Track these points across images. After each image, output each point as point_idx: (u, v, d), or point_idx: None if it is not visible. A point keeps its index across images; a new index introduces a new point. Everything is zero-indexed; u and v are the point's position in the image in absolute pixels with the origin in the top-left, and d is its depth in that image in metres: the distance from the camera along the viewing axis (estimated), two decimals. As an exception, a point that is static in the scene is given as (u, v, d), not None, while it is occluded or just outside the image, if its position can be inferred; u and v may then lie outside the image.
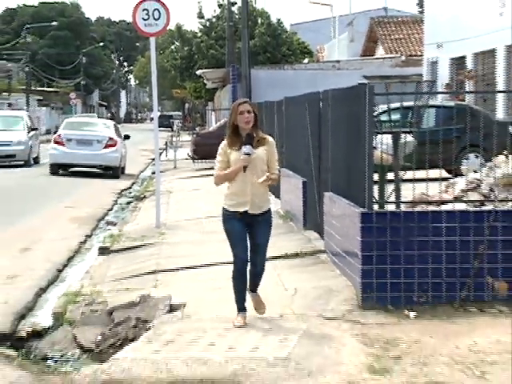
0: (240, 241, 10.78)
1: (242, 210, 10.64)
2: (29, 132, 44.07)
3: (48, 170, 38.74)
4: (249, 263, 10.99)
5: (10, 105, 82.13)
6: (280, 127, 22.82)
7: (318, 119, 16.84)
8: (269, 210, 11.01)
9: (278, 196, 22.54)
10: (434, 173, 14.33)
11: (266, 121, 26.51)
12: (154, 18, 21.47)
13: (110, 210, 27.66)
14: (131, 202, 30.06)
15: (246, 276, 10.89)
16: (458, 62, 37.88)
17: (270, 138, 10.93)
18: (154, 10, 21.42)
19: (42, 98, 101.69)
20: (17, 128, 43.27)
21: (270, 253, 14.67)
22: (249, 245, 10.96)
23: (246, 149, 10.33)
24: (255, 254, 10.87)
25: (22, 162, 41.92)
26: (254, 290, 11.09)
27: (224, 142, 10.77)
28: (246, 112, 10.42)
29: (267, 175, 10.58)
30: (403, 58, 51.43)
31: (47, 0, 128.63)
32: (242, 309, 10.81)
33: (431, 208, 13.16)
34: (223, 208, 10.91)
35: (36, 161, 44.78)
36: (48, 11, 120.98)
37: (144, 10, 21.40)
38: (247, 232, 10.81)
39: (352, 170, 13.35)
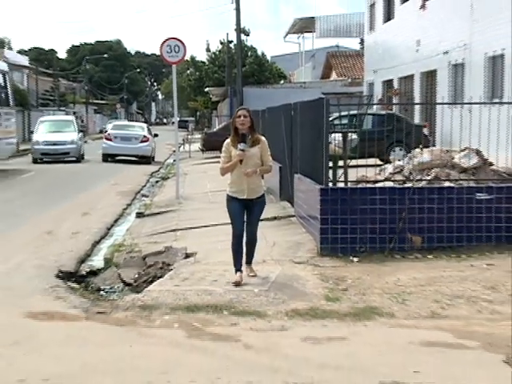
0: (238, 218, 10.07)
1: (240, 197, 9.98)
2: (78, 133, 39.10)
3: (97, 160, 38.68)
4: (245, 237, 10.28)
5: (74, 113, 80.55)
6: (263, 128, 22.75)
7: (290, 122, 16.80)
8: (263, 195, 10.34)
9: (262, 177, 22.47)
10: (371, 161, 14.36)
11: (256, 124, 26.43)
12: (175, 52, 21.45)
13: (144, 186, 27.59)
14: (159, 181, 29.93)
15: (243, 243, 10.12)
16: (388, 83, 37.83)
17: (262, 138, 10.22)
18: (175, 45, 21.42)
19: (96, 107, 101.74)
20: (69, 130, 37.95)
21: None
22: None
23: (240, 146, 9.68)
24: (249, 225, 10.13)
25: (74, 158, 37.62)
26: (249, 262, 10.34)
27: (227, 141, 10.05)
28: (242, 116, 9.80)
29: (258, 168, 10.09)
30: (350, 80, 51.33)
31: (100, 39, 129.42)
32: (239, 269, 10.06)
33: (369, 185, 13.18)
34: (227, 193, 10.22)
35: (82, 157, 39.44)
36: (101, 47, 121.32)
37: (168, 45, 21.40)
38: (245, 210, 10.10)
39: (314, 158, 13.36)
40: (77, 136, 37.58)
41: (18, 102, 40.30)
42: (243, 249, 10.17)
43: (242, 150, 9.70)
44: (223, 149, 10.10)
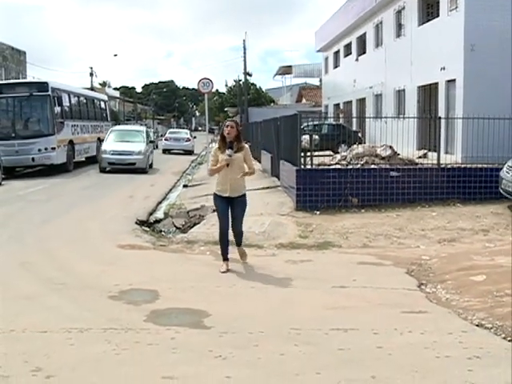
0: (223, 215, 7.50)
1: (224, 195, 7.44)
2: (147, 144, 24.69)
3: (158, 153, 38.29)
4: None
5: (146, 125, 79.58)
6: (261, 132, 22.60)
7: (277, 128, 16.63)
8: (243, 195, 7.60)
9: (259, 162, 22.37)
10: (327, 152, 14.29)
11: (256, 129, 26.29)
12: (206, 86, 21.32)
13: (187, 168, 27.43)
14: (196, 165, 29.79)
15: (228, 238, 7.57)
16: (337, 106, 37.61)
17: (246, 146, 7.73)
18: (206, 82, 21.30)
19: (159, 121, 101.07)
20: (137, 140, 24.05)
21: (255, 187, 14.65)
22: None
23: (228, 151, 7.30)
24: (234, 221, 7.52)
25: (140, 169, 23.33)
26: (238, 244, 7.81)
27: (215, 147, 7.69)
28: (229, 126, 7.38)
29: (243, 172, 7.54)
30: (313, 103, 50.95)
31: (161, 80, 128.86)
32: (225, 259, 7.52)
33: (326, 167, 13.10)
34: (214, 192, 7.73)
35: (151, 166, 25.08)
36: (161, 85, 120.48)
37: (202, 82, 21.29)
38: (229, 207, 7.51)
39: (292, 150, 13.22)
40: (144, 147, 23.77)
41: (112, 118, 39.53)
42: (228, 242, 7.60)
43: (229, 156, 7.34)
44: (212, 153, 7.74)
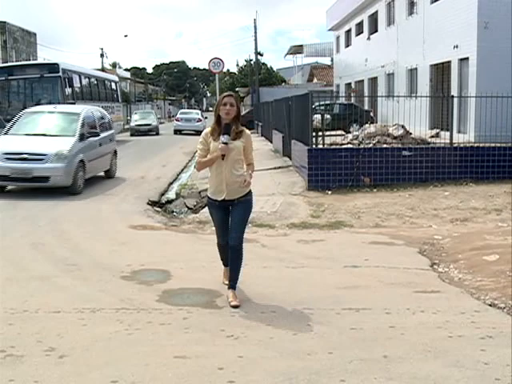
0: (220, 227, 5.51)
1: (219, 198, 5.33)
2: (81, 139, 12.02)
3: (170, 133, 38.31)
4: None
5: (157, 105, 79.02)
6: (272, 112, 22.45)
7: (289, 108, 16.51)
8: (247, 194, 5.37)
9: (271, 142, 22.28)
10: (338, 132, 14.18)
11: (267, 109, 26.18)
12: (217, 65, 21.20)
13: (200, 149, 27.36)
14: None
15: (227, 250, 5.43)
16: (348, 85, 37.31)
17: (246, 131, 5.42)
18: (217, 62, 21.21)
19: (170, 102, 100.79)
20: (63, 133, 11.88)
21: (267, 166, 14.63)
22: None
23: (223, 138, 5.17)
24: (232, 228, 5.34)
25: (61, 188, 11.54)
26: (232, 286, 5.41)
27: (206, 131, 5.45)
28: (228, 104, 5.20)
29: (246, 179, 5.27)
30: (325, 83, 50.50)
31: (172, 60, 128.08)
32: (226, 265, 5.65)
33: (337, 147, 13.02)
34: (207, 195, 5.62)
35: (108, 175, 14.51)
36: (172, 65, 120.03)
37: (213, 62, 21.18)
38: (228, 212, 5.41)
39: (303, 130, 13.14)
40: (72, 144, 11.75)
41: (123, 99, 39.41)
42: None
43: (226, 143, 5.21)
44: (200, 140, 5.46)
